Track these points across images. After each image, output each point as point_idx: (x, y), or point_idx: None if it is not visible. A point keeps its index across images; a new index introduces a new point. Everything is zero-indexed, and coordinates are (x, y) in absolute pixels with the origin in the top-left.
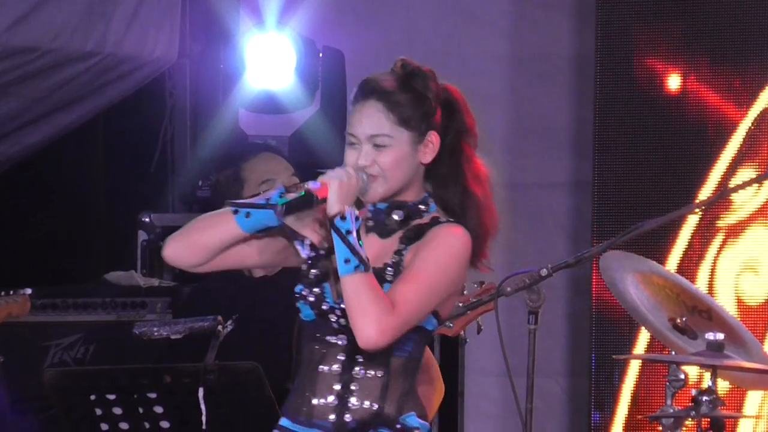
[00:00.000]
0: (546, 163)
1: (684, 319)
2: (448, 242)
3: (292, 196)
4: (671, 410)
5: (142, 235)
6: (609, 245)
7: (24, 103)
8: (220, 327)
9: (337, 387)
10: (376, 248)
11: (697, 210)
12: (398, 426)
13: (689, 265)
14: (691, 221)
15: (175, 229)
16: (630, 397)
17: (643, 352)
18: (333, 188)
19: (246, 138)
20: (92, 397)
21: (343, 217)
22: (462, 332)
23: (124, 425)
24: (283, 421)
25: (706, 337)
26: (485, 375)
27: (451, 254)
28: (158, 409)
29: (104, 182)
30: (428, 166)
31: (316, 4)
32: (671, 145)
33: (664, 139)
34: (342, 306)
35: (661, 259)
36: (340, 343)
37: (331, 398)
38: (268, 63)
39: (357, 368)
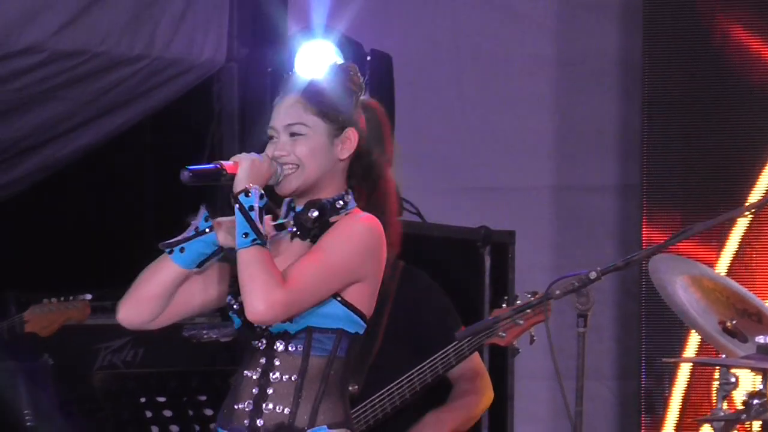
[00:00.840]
0: (593, 166)
1: (734, 322)
2: (349, 224)
3: (207, 181)
4: (722, 414)
5: None
6: (658, 248)
7: (72, 107)
8: None
9: (255, 391)
10: (301, 251)
11: (747, 213)
12: None
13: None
14: (741, 224)
15: None
16: (680, 401)
17: (693, 356)
18: (243, 166)
19: None
20: (142, 400)
21: (247, 194)
22: (514, 342)
23: (174, 428)
24: (218, 429)
25: (756, 340)
26: (534, 378)
27: (350, 235)
28: (208, 412)
29: (152, 185)
30: (355, 180)
31: (363, 7)
32: (720, 147)
33: (713, 141)
34: None
35: (711, 262)
36: (260, 347)
37: (248, 403)
38: (315, 66)
39: (273, 372)
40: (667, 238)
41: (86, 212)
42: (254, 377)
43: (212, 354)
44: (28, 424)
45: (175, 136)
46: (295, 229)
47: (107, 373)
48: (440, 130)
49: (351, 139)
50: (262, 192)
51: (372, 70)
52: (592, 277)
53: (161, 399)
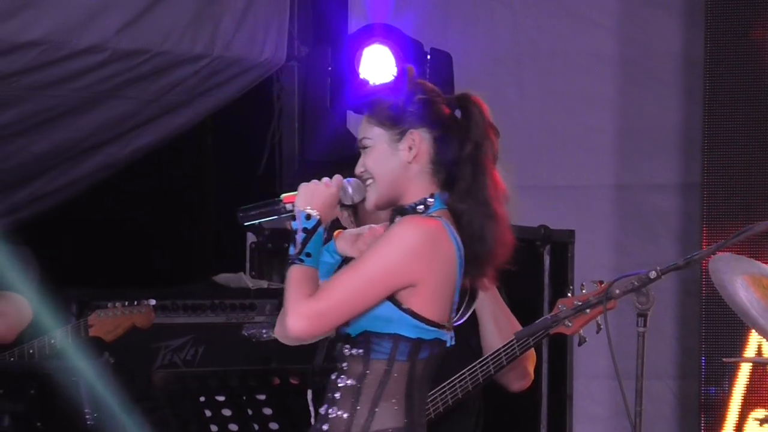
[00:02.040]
0: (654, 165)
1: None
2: (393, 232)
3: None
4: None
5: (250, 237)
6: (719, 247)
7: (133, 107)
8: None
9: (329, 395)
10: None
11: None
12: None
13: None
14: None
15: (282, 232)
16: (740, 400)
17: (754, 355)
18: (298, 193)
19: (354, 141)
20: (201, 399)
21: (295, 219)
22: (580, 331)
23: (233, 426)
24: None
25: None
26: (594, 377)
27: (391, 240)
28: (267, 411)
29: (213, 185)
30: (446, 179)
31: (424, 6)
32: None
33: None
34: None
35: None
36: (338, 350)
37: (325, 407)
38: (375, 65)
39: (341, 376)
40: (728, 237)
41: (146, 212)
42: (332, 381)
43: (272, 353)
44: (89, 423)
45: (235, 135)
46: None
47: (167, 372)
48: (500, 129)
49: (415, 142)
50: (310, 212)
51: (432, 69)
52: (652, 277)
53: (221, 398)
